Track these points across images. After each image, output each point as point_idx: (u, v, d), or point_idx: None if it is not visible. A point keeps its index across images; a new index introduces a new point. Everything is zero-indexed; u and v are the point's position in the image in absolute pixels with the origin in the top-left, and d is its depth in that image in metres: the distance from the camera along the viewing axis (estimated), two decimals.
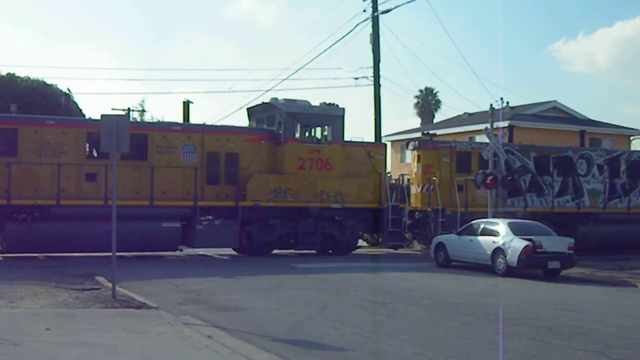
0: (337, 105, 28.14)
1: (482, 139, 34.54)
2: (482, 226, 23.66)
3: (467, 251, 23.54)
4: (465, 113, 49.84)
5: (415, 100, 70.38)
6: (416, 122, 69.07)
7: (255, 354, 10.30)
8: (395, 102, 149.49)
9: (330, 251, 27.86)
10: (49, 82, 36.82)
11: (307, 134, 28.03)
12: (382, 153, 29.77)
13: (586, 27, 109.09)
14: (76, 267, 20.79)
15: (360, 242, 30.15)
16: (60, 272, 19.28)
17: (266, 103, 28.47)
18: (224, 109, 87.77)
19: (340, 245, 27.81)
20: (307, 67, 75.69)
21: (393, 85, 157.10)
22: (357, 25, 37.15)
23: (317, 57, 44.86)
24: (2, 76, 35.81)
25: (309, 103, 28.19)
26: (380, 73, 36.48)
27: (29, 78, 36.39)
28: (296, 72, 56.10)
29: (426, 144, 31.22)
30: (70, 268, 20.46)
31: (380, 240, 30.29)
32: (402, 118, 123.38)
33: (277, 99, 27.91)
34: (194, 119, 28.42)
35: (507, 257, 21.76)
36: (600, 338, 12.35)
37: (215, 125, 28.73)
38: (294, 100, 27.94)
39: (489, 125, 28.82)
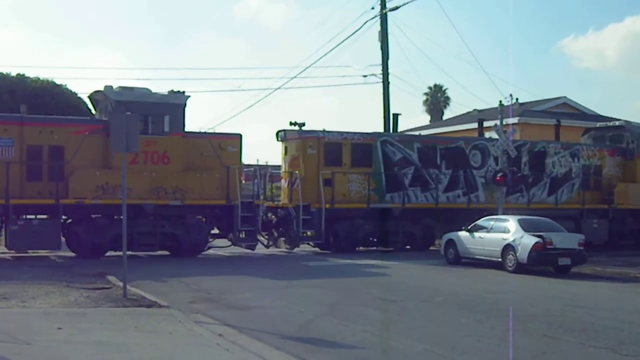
0: (182, 93, 25.81)
1: (490, 134, 34.19)
2: (492, 223, 23.65)
3: (477, 248, 23.52)
4: (474, 110, 49.74)
5: (424, 98, 70.26)
6: (425, 119, 68.99)
7: (266, 352, 10.32)
8: (405, 100, 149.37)
9: (169, 252, 25.58)
10: (58, 82, 36.90)
11: (145, 125, 24.41)
12: (236, 144, 26.59)
13: (596, 23, 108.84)
14: (87, 266, 20.86)
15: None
16: (72, 272, 19.36)
17: (99, 91, 25.47)
18: (234, 106, 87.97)
19: (185, 246, 25.23)
20: (315, 65, 75.84)
21: (402, 83, 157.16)
22: (365, 23, 37.25)
23: (325, 55, 44.84)
24: (12, 77, 35.91)
25: (149, 91, 25.64)
26: (389, 70, 36.62)
27: (38, 78, 36.48)
28: (305, 70, 56.46)
29: (292, 134, 29.06)
30: (82, 267, 20.53)
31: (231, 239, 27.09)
32: (411, 115, 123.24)
33: (111, 87, 24.77)
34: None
35: (517, 254, 21.73)
36: (611, 334, 12.32)
37: (37, 116, 25.36)
38: (132, 88, 25.23)
39: (498, 122, 28.78)
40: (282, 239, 28.60)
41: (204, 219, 26.18)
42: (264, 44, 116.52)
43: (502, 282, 20.04)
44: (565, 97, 48.29)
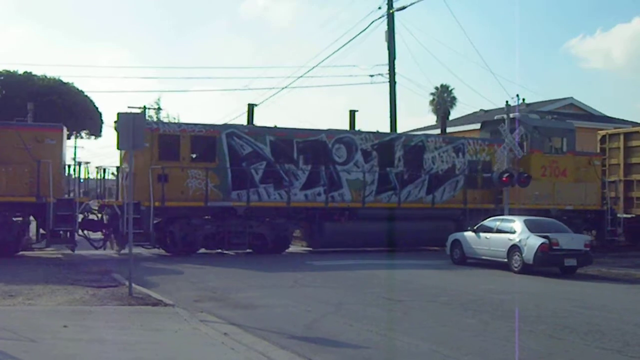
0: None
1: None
2: (497, 223, 23.63)
3: (483, 248, 23.50)
4: (480, 110, 49.72)
5: (431, 97, 70.18)
6: (432, 119, 68.95)
7: (271, 351, 10.32)
8: (411, 99, 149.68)
9: None
10: (65, 80, 36.98)
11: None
12: (55, 137, 24.47)
13: (604, 24, 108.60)
14: (93, 265, 20.91)
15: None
16: (77, 270, 19.42)
17: None
18: (241, 106, 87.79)
19: None
20: (322, 65, 75.97)
21: (408, 83, 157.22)
22: (372, 23, 37.26)
23: (332, 54, 45.36)
24: (19, 75, 36.00)
25: None
26: (396, 70, 36.63)
27: (45, 76, 36.58)
28: (312, 69, 56.34)
29: None
30: (87, 266, 20.59)
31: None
32: (417, 115, 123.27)
33: None
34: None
35: (523, 255, 21.69)
36: (617, 336, 12.29)
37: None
38: None
39: (505, 122, 28.78)
40: (113, 239, 25.71)
41: (20, 219, 24.26)
42: (270, 43, 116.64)
43: (507, 283, 20.02)
44: (572, 97, 48.29)
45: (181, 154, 26.03)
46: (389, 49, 36.44)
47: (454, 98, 71.07)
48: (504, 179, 27.91)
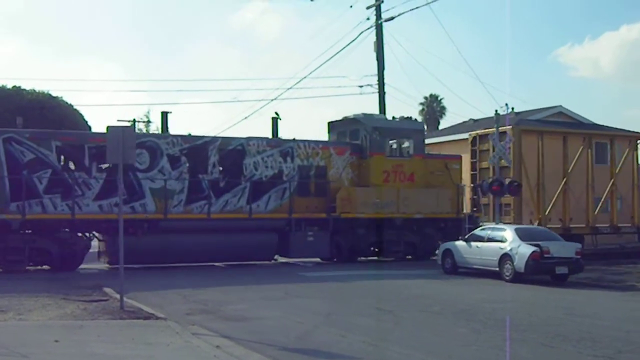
0: None
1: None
2: (488, 232, 23.67)
3: (475, 257, 23.52)
4: (470, 119, 49.84)
5: (420, 107, 70.48)
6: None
7: None
8: (401, 110, 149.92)
9: None
10: (54, 94, 36.87)
11: None
12: None
13: (593, 32, 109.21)
14: (84, 278, 20.84)
15: None
16: (68, 284, 19.32)
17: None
18: (231, 117, 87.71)
19: None
20: (311, 76, 75.94)
21: (398, 93, 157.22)
22: (361, 34, 37.36)
23: (321, 65, 45.00)
24: (8, 89, 35.88)
25: None
26: (385, 81, 36.70)
27: (34, 90, 36.46)
28: (300, 81, 56.34)
29: None
30: (78, 280, 20.50)
31: None
32: None
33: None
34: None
35: (514, 263, 21.73)
36: (609, 343, 12.32)
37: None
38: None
39: (494, 131, 28.86)
40: None
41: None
42: (259, 55, 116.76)
43: (499, 292, 20.05)
44: (561, 106, 48.29)
45: None
46: (377, 59, 36.57)
47: (443, 108, 71.50)
48: (494, 187, 27.94)
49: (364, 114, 29.97)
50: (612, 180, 33.52)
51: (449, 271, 24.43)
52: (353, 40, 38.77)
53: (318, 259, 28.74)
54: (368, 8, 37.19)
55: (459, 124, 51.81)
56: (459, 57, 69.80)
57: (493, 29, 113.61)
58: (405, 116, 31.93)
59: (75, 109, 37.20)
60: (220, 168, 26.91)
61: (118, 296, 15.19)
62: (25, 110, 31.72)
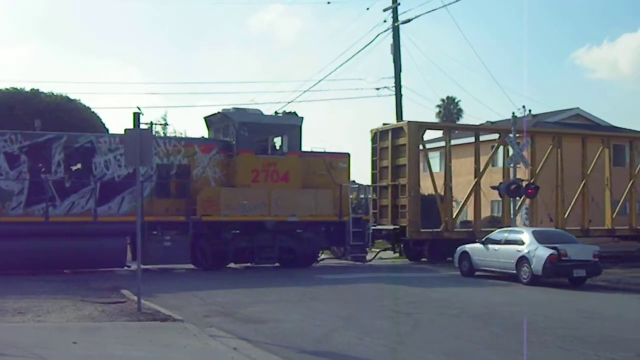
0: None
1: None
2: (506, 235, 23.58)
3: (492, 260, 23.45)
4: (487, 122, 49.68)
5: (437, 110, 70.25)
6: (438, 131, 68.96)
7: None
8: (417, 112, 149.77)
9: None
10: (72, 97, 37.06)
11: None
12: None
13: (611, 34, 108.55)
14: (101, 280, 20.91)
15: None
16: (86, 286, 19.41)
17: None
18: None
19: None
20: (328, 79, 75.96)
21: (415, 95, 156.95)
22: (377, 36, 37.44)
23: (338, 68, 44.97)
24: (26, 92, 36.09)
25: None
26: (402, 83, 36.82)
27: (52, 93, 36.64)
28: (318, 83, 56.30)
29: None
30: (96, 282, 20.58)
31: None
32: None
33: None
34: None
35: (532, 266, 21.64)
36: (629, 346, 12.23)
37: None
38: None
39: (511, 134, 28.77)
40: None
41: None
42: (277, 57, 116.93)
43: (517, 294, 19.95)
44: (578, 108, 48.23)
45: None
46: (394, 61, 36.61)
47: (460, 110, 71.21)
48: (511, 189, 27.82)
49: (235, 109, 27.68)
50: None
51: (466, 274, 24.36)
52: (370, 43, 38.80)
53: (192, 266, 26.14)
54: (385, 10, 37.27)
55: (477, 125, 51.64)
56: (476, 60, 69.87)
57: (510, 32, 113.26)
58: (289, 112, 29.81)
59: (93, 112, 37.38)
60: (74, 167, 24.98)
61: (135, 298, 15.22)
62: (44, 112, 31.89)
